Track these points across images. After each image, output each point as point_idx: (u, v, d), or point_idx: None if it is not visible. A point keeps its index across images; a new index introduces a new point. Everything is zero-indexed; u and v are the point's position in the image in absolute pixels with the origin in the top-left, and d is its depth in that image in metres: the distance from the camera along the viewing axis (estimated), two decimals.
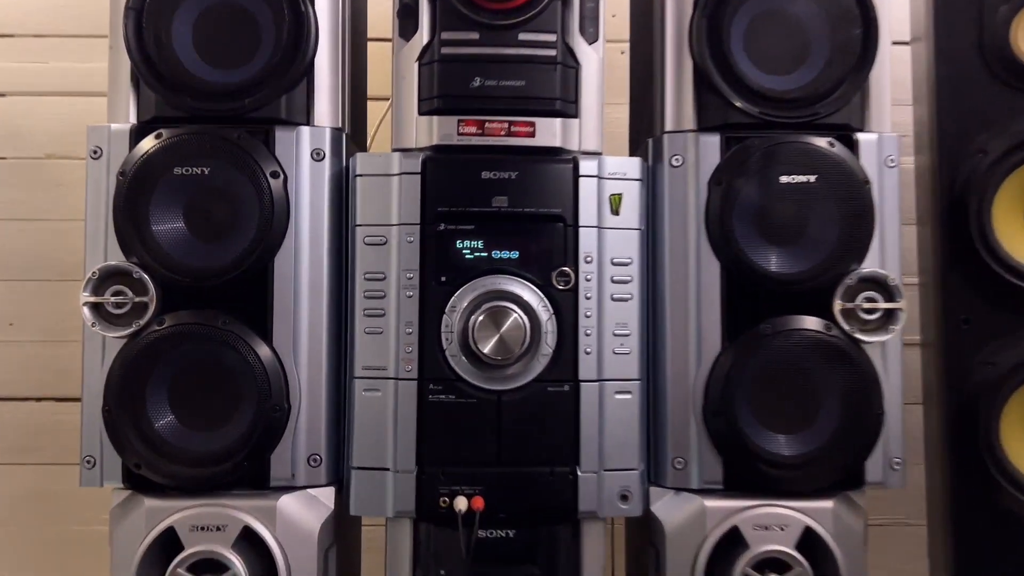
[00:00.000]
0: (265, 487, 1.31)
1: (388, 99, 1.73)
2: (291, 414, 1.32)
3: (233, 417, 1.30)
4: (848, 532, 1.34)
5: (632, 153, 1.64)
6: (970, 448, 1.41)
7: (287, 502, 1.30)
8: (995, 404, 1.40)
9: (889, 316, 1.34)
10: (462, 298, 1.30)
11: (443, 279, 1.31)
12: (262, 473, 1.32)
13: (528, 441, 1.30)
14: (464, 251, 1.31)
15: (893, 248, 1.36)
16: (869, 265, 1.34)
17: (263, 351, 1.30)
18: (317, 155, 1.35)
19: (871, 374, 1.32)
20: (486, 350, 1.26)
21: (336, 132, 1.38)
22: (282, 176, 1.33)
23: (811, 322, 1.33)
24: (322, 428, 1.34)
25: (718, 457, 1.34)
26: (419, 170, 1.32)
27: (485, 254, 1.31)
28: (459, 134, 1.33)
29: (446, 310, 1.30)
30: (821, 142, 1.33)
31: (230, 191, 1.31)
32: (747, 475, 1.33)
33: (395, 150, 1.36)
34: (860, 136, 1.36)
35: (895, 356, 1.36)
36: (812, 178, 1.32)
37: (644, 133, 1.51)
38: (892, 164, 1.37)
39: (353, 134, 1.48)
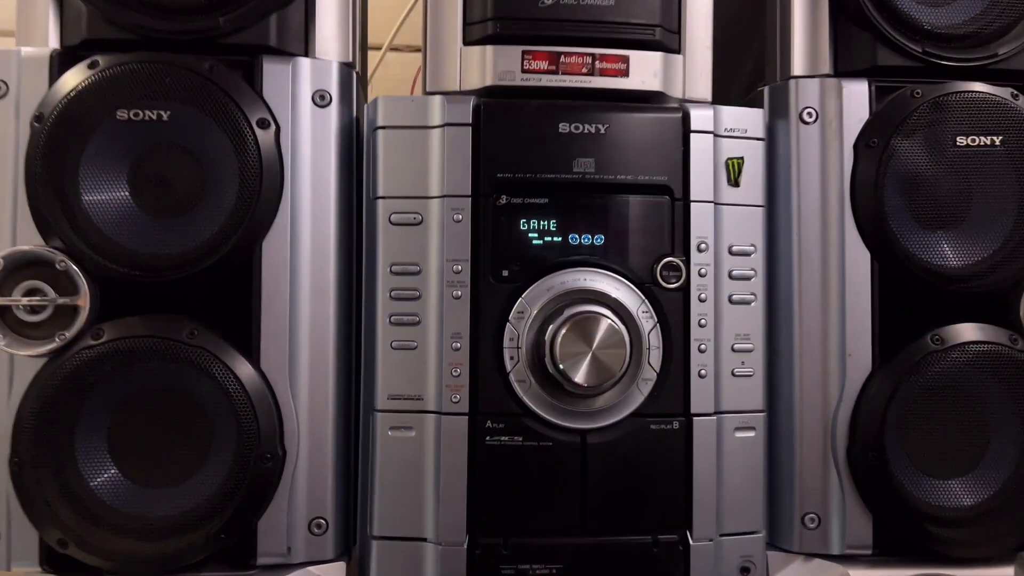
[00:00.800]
0: (250, 566, 0.94)
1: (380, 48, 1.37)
2: (286, 463, 0.93)
3: (204, 469, 0.92)
4: None
5: None
6: None
7: None
8: None
9: None
10: (533, 300, 0.93)
11: (504, 273, 0.94)
12: (245, 547, 0.94)
13: (624, 499, 0.94)
14: (531, 234, 0.94)
15: None
16: None
17: (247, 375, 0.92)
18: (321, 99, 0.96)
19: None
20: (577, 376, 0.89)
21: (346, 69, 0.99)
22: (273, 126, 0.94)
23: (990, 332, 0.99)
24: (329, 482, 0.96)
25: (867, 513, 1.00)
26: (470, 120, 0.94)
27: (560, 239, 0.94)
28: (524, 71, 0.95)
29: (510, 317, 0.93)
30: (1003, 92, 0.99)
31: (198, 146, 0.93)
32: (907, 535, 0.99)
33: (430, 93, 0.98)
34: None
35: None
36: (997, 140, 0.98)
37: (744, 81, 1.15)
38: None
39: (363, 78, 1.09)
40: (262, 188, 0.92)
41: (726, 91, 1.23)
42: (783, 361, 1.02)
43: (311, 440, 0.95)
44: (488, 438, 0.92)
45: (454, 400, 0.93)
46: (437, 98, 0.95)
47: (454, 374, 0.93)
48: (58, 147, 0.90)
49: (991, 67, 1.02)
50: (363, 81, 1.12)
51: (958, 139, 0.98)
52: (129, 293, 0.93)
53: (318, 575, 0.95)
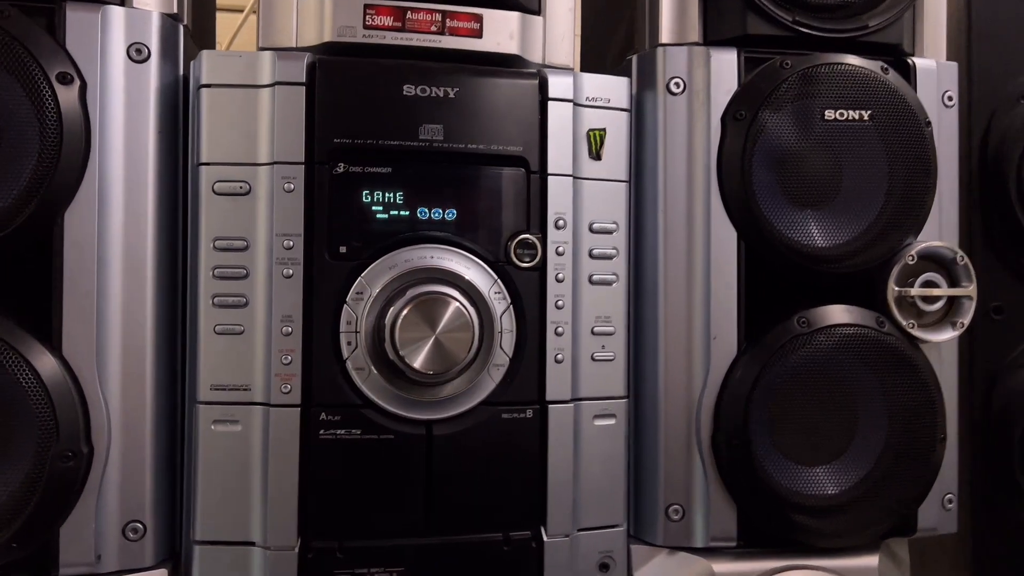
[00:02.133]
0: None
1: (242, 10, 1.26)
2: (94, 462, 0.83)
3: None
4: None
5: None
6: (998, 464, 1.09)
7: None
8: None
9: (951, 307, 0.99)
10: (374, 279, 0.84)
11: (342, 250, 0.85)
12: (46, 556, 0.83)
13: (473, 494, 0.87)
14: (375, 207, 0.85)
15: (951, 215, 1.02)
16: (926, 237, 0.98)
17: (45, 364, 0.81)
18: (138, 53, 0.86)
19: (934, 386, 0.97)
20: (416, 363, 0.81)
21: (169, 21, 0.88)
22: (77, 82, 0.83)
23: (857, 314, 0.96)
24: (146, 482, 0.86)
25: (731, 503, 0.95)
26: (304, 79, 0.84)
27: (407, 212, 0.86)
28: (366, 27, 0.87)
29: (348, 298, 0.84)
30: (872, 66, 0.95)
31: None
32: (771, 526, 0.95)
33: (263, 49, 0.88)
34: (917, 62, 0.99)
35: (950, 361, 1.01)
36: (866, 114, 0.94)
37: (616, 50, 1.09)
38: (950, 103, 1.02)
39: (197, 36, 0.98)
40: (62, 152, 0.81)
41: (600, 60, 1.16)
42: (648, 344, 0.96)
43: (125, 436, 0.84)
44: (323, 432, 0.84)
45: (284, 390, 0.84)
46: (267, 54, 0.85)
47: (284, 361, 0.84)
48: None
49: (862, 39, 0.98)
50: (199, 38, 1.01)
51: (826, 112, 0.93)
52: None
53: None
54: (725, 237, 0.95)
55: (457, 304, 0.83)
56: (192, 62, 0.89)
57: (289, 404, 0.84)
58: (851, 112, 0.94)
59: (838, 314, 0.95)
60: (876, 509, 0.96)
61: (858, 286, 0.97)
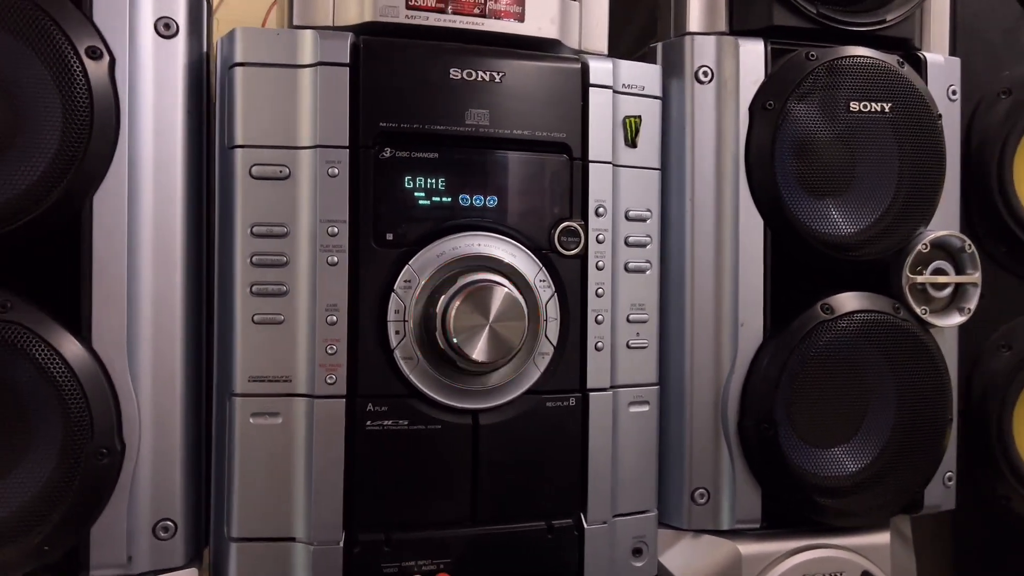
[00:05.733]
0: None
1: None
2: (126, 459, 0.79)
3: (22, 467, 0.76)
4: (903, 573, 1.03)
5: None
6: (978, 442, 1.15)
7: None
8: (1008, 398, 1.14)
9: (956, 294, 1.03)
10: (422, 268, 0.82)
11: (389, 237, 0.82)
12: (76, 557, 0.79)
13: (517, 484, 0.86)
14: (417, 193, 0.83)
15: (953, 205, 1.06)
16: (936, 227, 1.02)
17: (75, 355, 0.76)
18: (166, 28, 0.81)
19: (944, 370, 1.01)
20: (475, 353, 0.80)
21: None
22: (106, 57, 0.78)
23: (876, 301, 0.99)
24: (177, 479, 0.82)
25: (756, 486, 0.97)
26: (347, 59, 0.82)
27: (449, 199, 0.84)
28: (409, 7, 0.84)
29: (396, 286, 0.82)
30: (890, 59, 0.98)
31: (11, 80, 0.75)
32: (794, 507, 0.98)
33: (298, 27, 0.85)
34: (928, 56, 1.03)
35: (952, 346, 1.06)
36: (887, 107, 0.97)
37: (632, 37, 1.09)
38: (954, 97, 1.06)
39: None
40: (92, 132, 0.76)
41: (613, 47, 1.16)
42: (674, 331, 0.97)
43: (155, 431, 0.81)
44: (369, 423, 0.82)
45: (329, 381, 0.81)
46: (309, 33, 0.82)
47: (329, 351, 0.81)
48: None
49: (878, 33, 1.00)
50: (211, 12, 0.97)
51: (851, 104, 0.96)
52: None
53: None
54: (753, 225, 0.96)
55: (507, 291, 0.82)
56: (221, 39, 0.85)
57: (334, 395, 0.81)
58: (873, 104, 0.96)
59: (857, 301, 0.98)
60: (889, 488, 1.00)
61: (871, 274, 1.00)
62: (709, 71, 0.96)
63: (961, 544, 1.23)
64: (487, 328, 0.81)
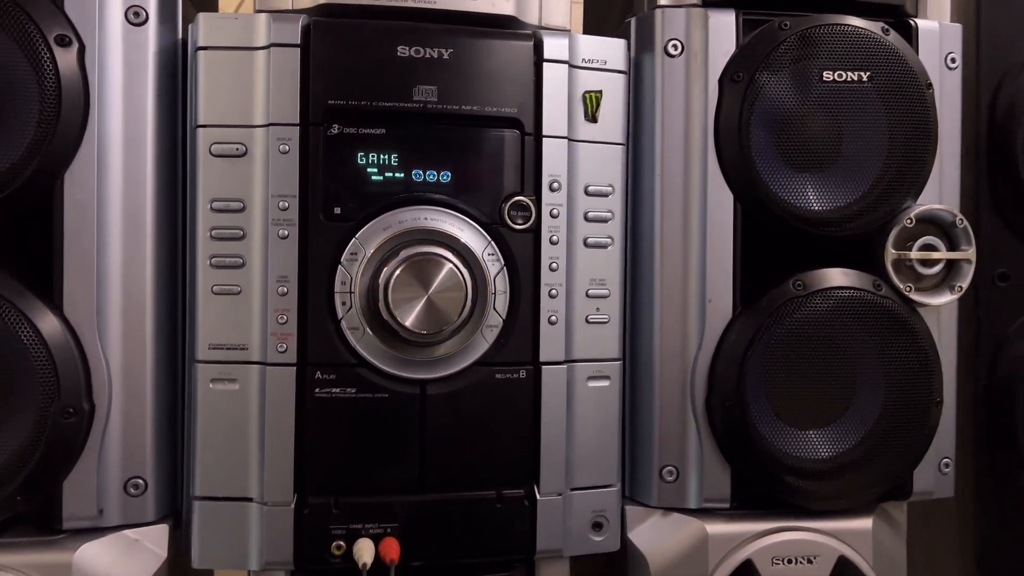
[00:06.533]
0: (54, 531, 0.85)
1: None
2: (95, 418, 0.85)
3: (6, 428, 0.82)
4: (889, 560, 0.99)
5: None
6: (1002, 430, 1.09)
7: (90, 553, 0.84)
8: None
9: (949, 271, 0.98)
10: (368, 240, 0.85)
11: (337, 211, 0.86)
12: (50, 510, 0.85)
13: (466, 453, 0.88)
14: (370, 169, 0.86)
15: (952, 179, 1.01)
16: (926, 200, 0.97)
17: (47, 322, 0.82)
18: (135, 16, 0.87)
19: (930, 349, 0.96)
20: (407, 321, 0.82)
21: None
22: (76, 45, 0.83)
23: (854, 278, 0.95)
24: (147, 438, 0.88)
25: (725, 465, 0.96)
26: (299, 40, 0.85)
27: (402, 174, 0.87)
28: None
29: (343, 259, 0.85)
30: (873, 27, 0.94)
31: None
32: (764, 488, 0.96)
33: (259, 11, 0.88)
34: (919, 23, 0.98)
35: (950, 326, 1.01)
36: (864, 76, 0.93)
37: (616, 14, 1.08)
38: (953, 65, 1.01)
39: (198, 0, 0.99)
40: (60, 114, 0.82)
41: (602, 26, 1.16)
42: (644, 308, 0.97)
43: (125, 394, 0.86)
44: (318, 390, 0.85)
45: (280, 349, 0.85)
46: (263, 16, 0.86)
47: (280, 321, 0.85)
48: None
49: (866, 0, 0.97)
50: (200, 3, 1.02)
51: (824, 74, 0.93)
52: None
53: (135, 539, 0.87)
54: (722, 200, 0.95)
55: (450, 265, 0.84)
56: (190, 25, 0.89)
57: (285, 363, 0.85)
58: (850, 73, 0.93)
59: (835, 277, 0.95)
60: (870, 472, 0.97)
61: (857, 250, 0.97)
62: (679, 44, 0.95)
63: (984, 535, 1.18)
64: (425, 299, 0.83)
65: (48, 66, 0.81)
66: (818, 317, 0.94)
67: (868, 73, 0.94)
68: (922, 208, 0.96)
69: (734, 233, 0.95)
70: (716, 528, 0.95)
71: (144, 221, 0.87)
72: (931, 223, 0.97)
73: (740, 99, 0.93)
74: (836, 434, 0.97)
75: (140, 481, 0.87)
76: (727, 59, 0.94)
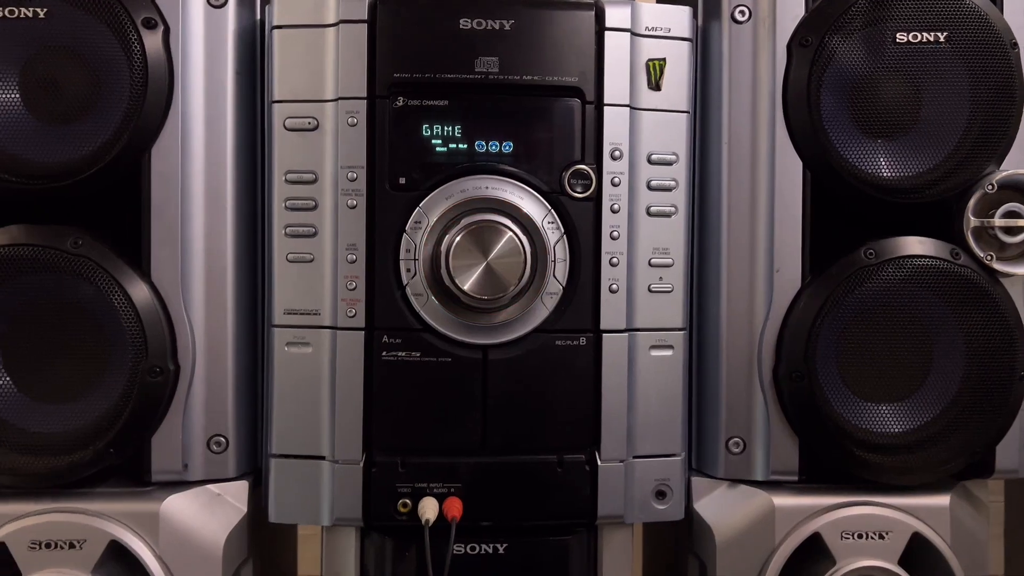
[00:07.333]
0: (144, 483, 0.91)
1: None
2: (180, 378, 0.90)
3: (95, 384, 0.89)
4: (969, 539, 0.96)
5: None
6: None
7: (176, 505, 0.90)
8: None
9: None
10: (431, 209, 0.88)
11: (402, 181, 0.88)
12: (139, 464, 0.91)
13: (527, 417, 0.90)
14: (434, 140, 0.89)
15: None
16: (1010, 165, 0.93)
17: (136, 288, 0.88)
18: None
19: (1013, 321, 0.93)
20: (466, 286, 0.85)
21: None
22: (161, 27, 0.89)
23: (930, 246, 0.92)
24: (228, 398, 0.93)
25: (793, 437, 0.95)
26: (366, 17, 0.88)
27: (465, 145, 0.89)
28: None
29: (407, 227, 0.88)
30: None
31: (82, 47, 0.88)
32: (834, 462, 0.94)
33: None
34: None
35: None
36: (941, 36, 0.90)
37: None
38: None
39: None
40: (147, 93, 0.87)
41: None
42: (712, 277, 0.96)
43: (208, 356, 0.92)
44: (385, 353, 0.88)
45: (350, 314, 0.89)
46: None
47: (349, 287, 0.89)
48: None
49: None
50: None
51: (898, 36, 0.90)
52: (22, 203, 0.89)
53: (217, 493, 0.93)
54: (790, 168, 0.93)
55: (509, 232, 0.86)
56: (266, 6, 0.94)
57: (354, 327, 0.89)
58: (925, 34, 0.90)
59: (909, 245, 0.92)
60: (947, 449, 0.94)
61: (931, 218, 0.94)
62: (746, 10, 0.94)
63: None
64: (483, 265, 0.85)
65: (136, 48, 0.87)
66: (891, 286, 0.92)
67: (945, 33, 0.90)
68: (1006, 174, 0.92)
69: (803, 201, 0.93)
70: (783, 501, 0.94)
71: (224, 193, 0.92)
72: (1015, 189, 0.93)
73: (809, 64, 0.91)
74: (911, 408, 0.95)
75: (222, 439, 0.92)
76: (795, 24, 0.93)
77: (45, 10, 0.86)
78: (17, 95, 0.88)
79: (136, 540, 0.88)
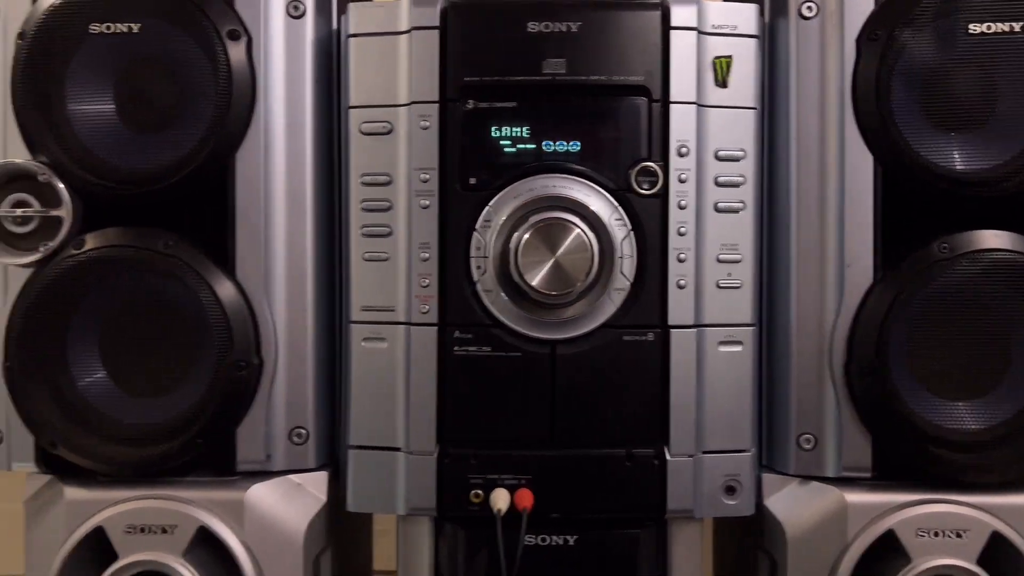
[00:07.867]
0: (230, 472, 0.96)
1: None
2: (264, 372, 0.95)
3: (184, 377, 0.94)
4: None
5: None
6: None
7: (260, 493, 0.94)
8: None
9: None
10: (500, 208, 0.90)
11: (472, 181, 0.91)
12: (226, 454, 0.96)
13: (595, 411, 0.92)
14: (503, 141, 0.91)
15: None
16: None
17: (223, 286, 0.93)
18: (295, 9, 0.96)
19: None
20: (535, 282, 0.87)
21: None
22: (244, 38, 0.94)
23: (1006, 239, 0.91)
24: (308, 391, 0.97)
25: (866, 434, 0.94)
26: (437, 23, 0.91)
27: (533, 145, 0.91)
28: None
29: (477, 226, 0.91)
30: None
31: (171, 59, 0.93)
32: (908, 459, 0.93)
33: None
34: None
35: None
36: (1016, 27, 0.89)
37: None
38: None
39: None
40: (232, 101, 0.92)
41: None
42: (781, 273, 0.96)
43: (290, 351, 0.96)
44: (456, 348, 0.91)
45: (423, 311, 0.92)
46: (405, 2, 0.92)
47: (423, 284, 0.92)
48: (39, 62, 0.92)
49: None
50: None
51: (971, 27, 0.89)
52: (116, 207, 0.95)
53: (298, 483, 0.97)
54: (860, 163, 0.93)
55: (576, 229, 0.87)
56: (342, 16, 0.98)
57: (427, 323, 0.92)
58: (1000, 24, 0.89)
59: (985, 239, 0.91)
60: None
61: (1008, 211, 0.92)
62: (814, 6, 0.94)
63: None
64: (551, 261, 0.87)
65: (222, 58, 0.92)
66: (966, 281, 0.90)
67: (1021, 23, 0.89)
68: None
69: (874, 196, 0.93)
70: (856, 497, 0.93)
71: (304, 195, 0.96)
72: None
73: (879, 58, 0.91)
74: (989, 405, 0.93)
75: (303, 430, 0.96)
76: (864, 18, 0.92)
77: (139, 25, 0.91)
78: (111, 106, 0.94)
79: (222, 526, 0.92)
